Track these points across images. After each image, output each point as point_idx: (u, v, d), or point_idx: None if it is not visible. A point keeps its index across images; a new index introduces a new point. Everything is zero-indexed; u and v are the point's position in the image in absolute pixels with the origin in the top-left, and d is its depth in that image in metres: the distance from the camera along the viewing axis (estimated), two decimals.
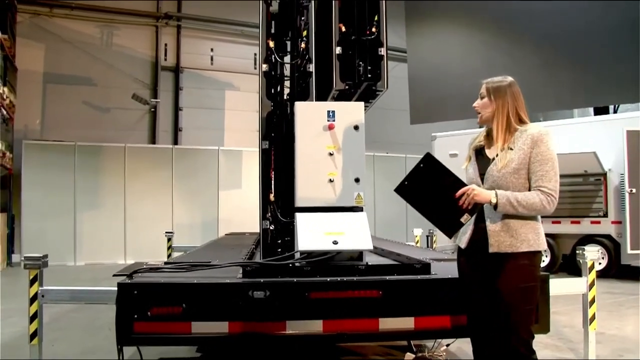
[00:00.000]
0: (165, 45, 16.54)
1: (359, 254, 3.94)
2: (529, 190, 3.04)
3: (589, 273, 5.30)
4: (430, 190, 3.04)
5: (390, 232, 14.86)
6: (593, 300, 5.27)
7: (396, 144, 17.95)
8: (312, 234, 3.80)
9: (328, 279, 3.57)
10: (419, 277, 3.65)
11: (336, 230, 3.86)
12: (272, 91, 4.75)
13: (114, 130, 15.32)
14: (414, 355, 5.14)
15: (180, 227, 14.04)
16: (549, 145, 3.06)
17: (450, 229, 3.03)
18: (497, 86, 3.19)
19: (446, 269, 4.21)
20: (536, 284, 3.06)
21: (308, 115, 4.07)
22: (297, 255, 3.86)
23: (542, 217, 3.15)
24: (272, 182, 4.64)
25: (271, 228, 4.58)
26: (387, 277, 3.61)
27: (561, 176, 10.64)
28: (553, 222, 11.38)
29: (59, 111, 14.96)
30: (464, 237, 3.20)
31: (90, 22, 15.68)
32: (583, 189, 11.12)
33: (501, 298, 2.97)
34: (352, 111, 4.13)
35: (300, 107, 4.11)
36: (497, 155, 3.09)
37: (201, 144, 15.68)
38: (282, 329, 3.51)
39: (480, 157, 3.25)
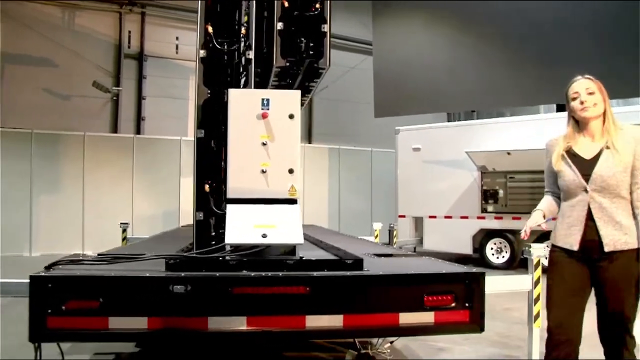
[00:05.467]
0: (129, 32, 16.15)
1: (293, 249, 3.81)
2: (630, 186, 3.17)
3: (535, 270, 5.24)
4: None
5: (355, 225, 14.81)
6: (538, 298, 5.21)
7: (363, 137, 17.83)
8: (241, 227, 3.68)
9: (252, 274, 3.42)
10: (348, 273, 3.51)
11: (266, 223, 3.73)
12: (211, 78, 4.58)
13: (75, 118, 14.93)
14: (355, 353, 5.04)
15: (140, 217, 13.83)
16: None
17: None
18: (599, 82, 3.25)
19: (383, 265, 4.09)
20: None
21: (242, 103, 3.93)
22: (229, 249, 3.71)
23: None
24: (209, 172, 4.49)
25: (206, 220, 4.43)
26: (315, 273, 3.47)
27: (521, 172, 10.63)
28: (513, 218, 11.41)
29: (17, 97, 14.47)
30: (571, 238, 3.26)
31: (50, 5, 15.23)
32: (543, 185, 11.03)
33: (618, 292, 3.15)
34: (287, 99, 3.98)
35: (233, 94, 3.96)
36: (598, 155, 3.18)
37: (165, 133, 15.37)
38: (204, 326, 3.35)
39: (574, 159, 3.27)
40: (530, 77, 12.32)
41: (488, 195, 11.76)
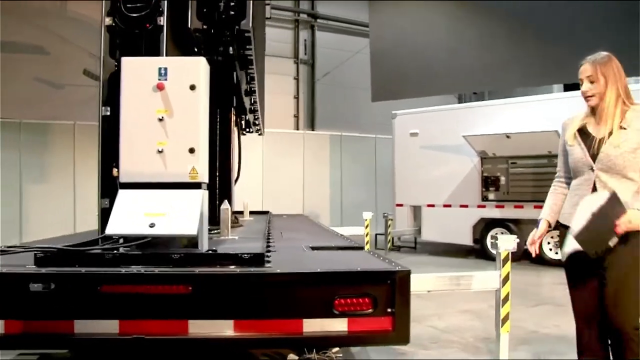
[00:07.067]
0: None
1: (196, 240, 3.32)
2: None
3: (503, 266, 4.65)
4: (597, 224, 3.06)
5: (358, 216, 14.24)
6: (507, 298, 4.62)
7: (369, 124, 17.16)
8: (129, 215, 3.22)
9: (123, 270, 2.91)
10: (238, 270, 2.96)
11: (159, 210, 3.24)
12: (118, 49, 4.07)
13: (67, 107, 14.28)
14: (297, 357, 4.51)
15: None
16: None
17: (596, 250, 3.08)
18: (605, 64, 3.15)
19: (301, 261, 3.56)
20: None
21: (135, 73, 3.46)
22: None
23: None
24: (117, 154, 3.99)
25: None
26: (197, 270, 2.92)
27: (524, 157, 9.77)
28: (515, 207, 10.72)
29: (6, 87, 14.04)
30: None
31: None
32: (547, 171, 10.32)
33: (622, 276, 3.09)
34: (188, 68, 3.47)
35: (126, 63, 3.48)
36: (608, 135, 3.12)
37: None
38: (70, 329, 2.86)
39: (585, 138, 3.24)
40: (536, 55, 11.58)
41: (489, 183, 11.08)
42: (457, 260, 11.63)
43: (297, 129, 17.43)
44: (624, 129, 3.09)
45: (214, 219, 4.80)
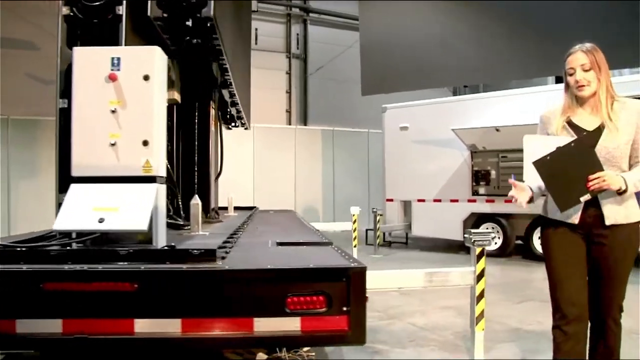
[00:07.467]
0: None
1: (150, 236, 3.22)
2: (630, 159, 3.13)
3: (478, 261, 4.53)
4: (564, 166, 3.06)
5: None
6: (482, 295, 4.50)
7: (363, 119, 17.02)
8: (78, 210, 3.11)
9: (66, 267, 2.80)
10: (184, 267, 2.84)
11: (110, 205, 3.13)
12: (77, 39, 3.95)
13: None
14: (266, 356, 4.41)
15: None
16: None
17: (567, 205, 3.07)
18: (598, 53, 3.12)
19: (260, 257, 3.43)
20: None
21: (87, 63, 3.34)
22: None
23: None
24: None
25: None
26: (142, 267, 2.81)
27: (514, 151, 9.60)
28: (506, 201, 10.56)
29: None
30: (570, 211, 3.15)
31: None
32: None
33: (615, 266, 3.13)
34: (142, 57, 3.34)
35: (78, 53, 3.36)
36: (600, 127, 3.12)
37: None
38: (12, 329, 2.74)
39: (575, 130, 3.19)
40: (525, 48, 11.43)
41: (479, 177, 10.98)
42: (448, 255, 11.52)
43: (290, 124, 17.31)
44: (612, 120, 3.09)
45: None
